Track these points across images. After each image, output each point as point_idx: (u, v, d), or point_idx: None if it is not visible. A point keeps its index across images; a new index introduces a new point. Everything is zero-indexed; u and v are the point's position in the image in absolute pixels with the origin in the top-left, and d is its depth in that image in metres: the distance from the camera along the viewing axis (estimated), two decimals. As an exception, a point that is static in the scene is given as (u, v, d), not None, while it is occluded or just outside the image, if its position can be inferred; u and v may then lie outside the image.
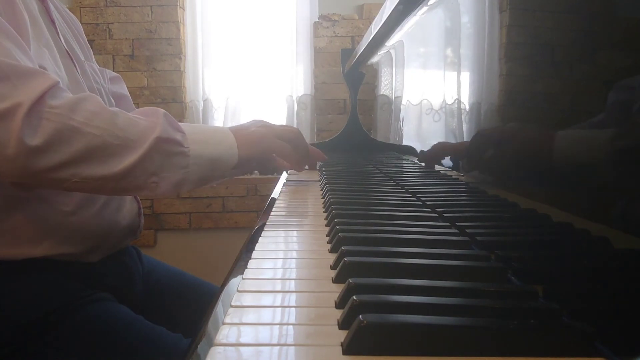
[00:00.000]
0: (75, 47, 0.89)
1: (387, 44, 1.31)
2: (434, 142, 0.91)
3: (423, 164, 0.96)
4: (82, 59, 0.90)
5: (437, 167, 0.88)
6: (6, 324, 0.72)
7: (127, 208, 0.89)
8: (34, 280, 0.76)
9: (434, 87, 0.92)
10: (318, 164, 1.24)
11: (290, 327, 0.35)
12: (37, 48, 0.75)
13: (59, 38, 0.84)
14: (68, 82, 0.81)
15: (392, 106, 1.34)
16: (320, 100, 2.37)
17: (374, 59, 1.59)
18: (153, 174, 0.70)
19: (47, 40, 0.79)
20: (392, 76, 1.34)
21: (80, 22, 1.03)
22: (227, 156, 0.77)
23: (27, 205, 0.75)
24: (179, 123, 0.75)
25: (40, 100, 0.64)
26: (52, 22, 0.84)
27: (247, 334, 0.33)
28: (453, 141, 0.78)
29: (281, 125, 0.90)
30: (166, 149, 0.70)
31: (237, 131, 0.80)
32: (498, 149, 0.58)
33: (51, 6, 0.85)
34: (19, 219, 0.75)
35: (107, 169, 0.67)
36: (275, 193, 0.94)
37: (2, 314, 0.73)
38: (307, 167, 1.02)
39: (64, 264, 0.79)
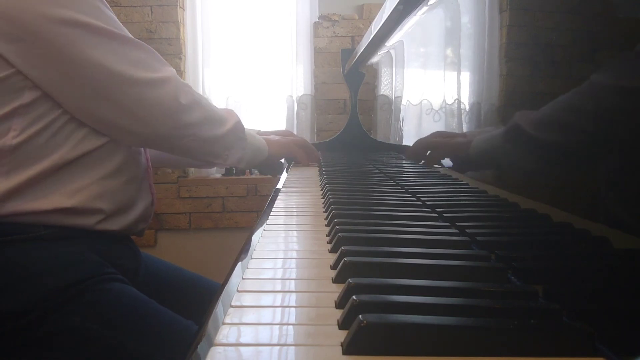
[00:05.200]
0: None
1: (387, 44, 1.31)
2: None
3: (412, 160, 0.97)
4: None
5: (437, 167, 0.88)
6: (34, 290, 0.76)
7: (144, 194, 0.97)
8: (59, 250, 0.81)
9: (434, 87, 0.92)
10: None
11: (290, 327, 0.35)
12: None
13: None
14: None
15: (392, 106, 1.34)
16: (320, 100, 2.37)
17: (374, 59, 1.59)
18: (227, 147, 0.99)
19: None
20: (392, 76, 1.34)
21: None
22: (263, 150, 1.11)
23: (81, 162, 0.85)
24: None
25: (177, 77, 0.89)
26: None
27: (247, 334, 0.33)
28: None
29: (295, 137, 1.31)
30: (237, 132, 1.00)
31: (265, 137, 1.15)
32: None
33: None
34: (61, 177, 0.83)
35: (210, 133, 0.94)
36: (279, 185, 0.96)
37: (27, 281, 0.77)
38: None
39: (86, 235, 0.85)
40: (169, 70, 0.89)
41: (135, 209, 0.94)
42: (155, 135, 0.89)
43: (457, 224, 0.60)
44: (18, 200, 0.80)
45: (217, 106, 0.99)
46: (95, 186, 0.86)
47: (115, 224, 0.89)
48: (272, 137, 1.19)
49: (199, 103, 0.92)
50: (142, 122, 0.86)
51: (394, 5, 0.95)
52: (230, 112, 1.03)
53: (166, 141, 0.92)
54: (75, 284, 0.78)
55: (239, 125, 1.01)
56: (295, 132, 2.37)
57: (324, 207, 0.75)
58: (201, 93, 2.36)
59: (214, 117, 0.96)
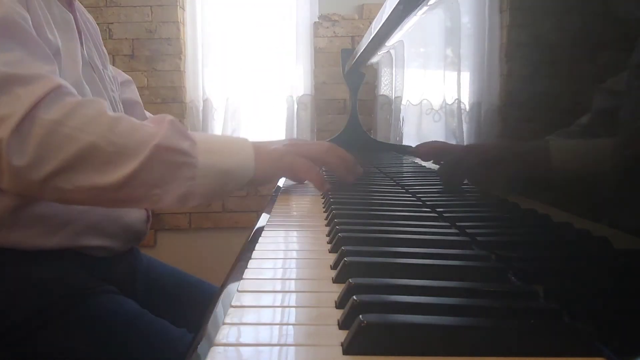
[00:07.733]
0: (94, 56, 0.92)
1: (387, 44, 1.31)
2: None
3: (419, 161, 0.97)
4: (100, 67, 0.92)
5: (436, 167, 0.88)
6: (18, 308, 0.73)
7: (135, 214, 0.90)
8: (44, 268, 0.77)
9: (434, 87, 0.92)
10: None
11: (290, 327, 0.35)
12: (66, 57, 0.78)
13: (83, 49, 0.87)
14: (90, 93, 0.83)
15: (392, 106, 1.34)
16: (320, 100, 2.37)
17: (374, 59, 1.59)
18: (155, 185, 0.67)
19: (74, 51, 0.82)
20: (392, 76, 1.34)
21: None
22: (241, 169, 0.73)
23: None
24: (193, 132, 0.72)
25: (33, 109, 0.62)
26: (79, 32, 0.87)
27: (247, 334, 0.33)
28: (453, 142, 0.78)
29: (311, 143, 0.93)
30: (168, 158, 0.67)
31: (259, 147, 0.76)
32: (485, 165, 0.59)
33: (78, 15, 0.88)
34: (41, 211, 0.76)
35: (102, 177, 0.64)
36: (277, 191, 0.95)
37: (13, 299, 0.74)
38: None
39: (73, 255, 0.80)
40: (18, 105, 0.61)
41: (128, 231, 0.88)
42: (22, 194, 0.67)
43: (457, 224, 0.60)
44: None
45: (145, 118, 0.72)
46: (75, 223, 0.78)
47: (110, 252, 0.85)
48: (270, 144, 0.81)
49: (69, 138, 0.63)
50: None
51: (394, 5, 0.95)
52: (158, 124, 0.68)
53: (47, 197, 0.69)
54: (57, 302, 0.74)
55: (164, 147, 0.66)
56: (295, 133, 2.37)
57: (324, 207, 0.75)
58: (201, 93, 2.35)
59: (104, 151, 0.64)
